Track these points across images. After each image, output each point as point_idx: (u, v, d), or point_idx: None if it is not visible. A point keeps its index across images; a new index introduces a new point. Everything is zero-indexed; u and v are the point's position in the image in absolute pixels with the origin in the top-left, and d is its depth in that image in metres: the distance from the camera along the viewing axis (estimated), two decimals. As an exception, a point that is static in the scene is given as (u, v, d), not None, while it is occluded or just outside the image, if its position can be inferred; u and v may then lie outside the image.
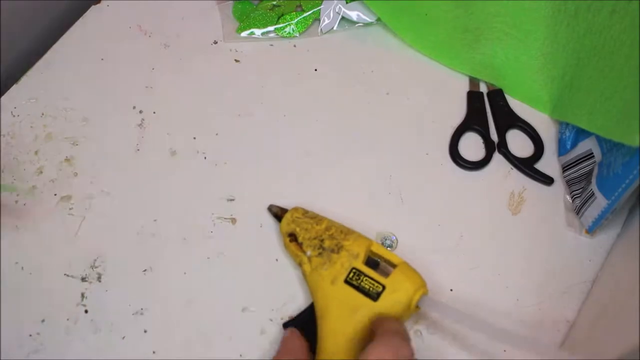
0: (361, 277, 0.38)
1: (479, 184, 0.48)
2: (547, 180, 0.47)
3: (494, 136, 0.50)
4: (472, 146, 0.50)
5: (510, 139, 0.50)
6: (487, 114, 0.51)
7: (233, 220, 0.45)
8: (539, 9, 0.47)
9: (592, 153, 0.45)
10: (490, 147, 0.49)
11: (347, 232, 0.41)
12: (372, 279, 0.38)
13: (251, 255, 0.44)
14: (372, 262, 0.40)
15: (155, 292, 0.42)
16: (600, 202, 0.42)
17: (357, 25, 0.56)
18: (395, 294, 0.37)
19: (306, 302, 0.42)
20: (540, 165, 0.48)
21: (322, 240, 0.41)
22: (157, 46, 0.54)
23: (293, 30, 0.55)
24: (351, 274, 0.38)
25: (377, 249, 0.40)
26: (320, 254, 0.40)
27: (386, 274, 0.39)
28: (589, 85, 0.45)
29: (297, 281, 0.43)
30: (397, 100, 0.52)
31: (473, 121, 0.50)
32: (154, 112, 0.50)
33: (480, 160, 0.49)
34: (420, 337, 0.41)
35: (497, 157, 0.49)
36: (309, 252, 0.40)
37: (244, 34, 0.55)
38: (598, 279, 0.43)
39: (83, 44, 0.54)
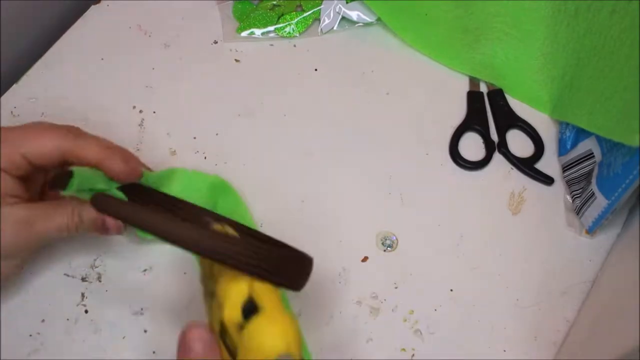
0: (226, 335, 0.30)
1: (479, 184, 0.48)
2: (547, 180, 0.47)
3: (494, 136, 0.50)
4: (472, 146, 0.50)
5: (510, 139, 0.50)
6: (487, 114, 0.51)
7: (233, 220, 0.45)
8: (539, 9, 0.47)
9: (592, 153, 0.45)
10: (490, 147, 0.49)
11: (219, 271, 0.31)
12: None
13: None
14: (252, 307, 0.29)
15: (155, 292, 0.42)
16: (600, 202, 0.42)
17: (357, 25, 0.56)
18: (249, 354, 0.28)
19: (307, 303, 0.42)
20: (540, 165, 0.48)
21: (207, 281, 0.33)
22: (157, 46, 0.54)
23: (293, 30, 0.55)
24: (221, 330, 0.30)
25: (259, 293, 0.30)
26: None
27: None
28: (589, 85, 0.45)
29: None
30: (397, 100, 0.52)
31: (473, 121, 0.50)
32: (154, 112, 0.50)
33: (480, 160, 0.49)
34: (420, 337, 0.41)
35: (497, 157, 0.49)
36: None
37: (244, 34, 0.55)
38: (598, 279, 0.43)
39: (83, 44, 0.54)
